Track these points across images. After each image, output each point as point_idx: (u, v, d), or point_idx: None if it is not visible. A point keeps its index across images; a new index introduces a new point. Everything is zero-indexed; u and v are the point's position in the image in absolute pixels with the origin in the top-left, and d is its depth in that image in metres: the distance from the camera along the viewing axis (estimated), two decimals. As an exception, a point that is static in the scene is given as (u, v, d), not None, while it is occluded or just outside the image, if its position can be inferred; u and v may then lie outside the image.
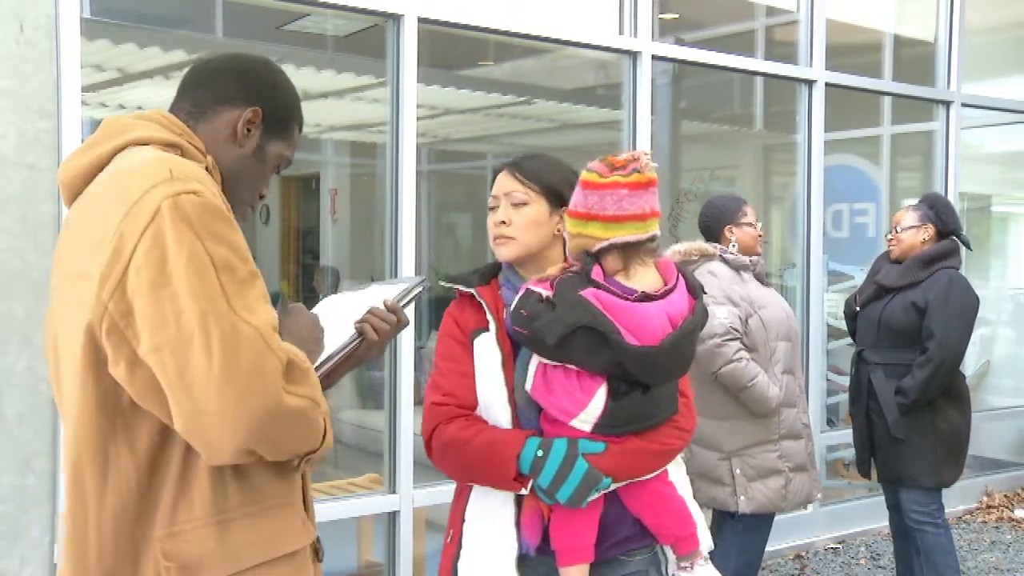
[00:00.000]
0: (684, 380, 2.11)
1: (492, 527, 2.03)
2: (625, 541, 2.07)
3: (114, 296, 1.36)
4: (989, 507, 6.12)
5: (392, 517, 4.08)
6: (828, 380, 5.93)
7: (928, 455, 3.83)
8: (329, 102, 6.48)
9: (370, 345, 1.66)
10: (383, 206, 4.16)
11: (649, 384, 1.95)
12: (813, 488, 3.59)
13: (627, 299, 1.91)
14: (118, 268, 1.36)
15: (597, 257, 1.95)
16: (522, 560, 2.01)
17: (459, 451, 2.01)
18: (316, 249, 8.35)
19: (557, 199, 2.08)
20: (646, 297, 1.93)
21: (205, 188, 1.43)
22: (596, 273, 1.93)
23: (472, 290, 2.10)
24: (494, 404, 2.02)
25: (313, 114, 6.69)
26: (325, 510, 3.82)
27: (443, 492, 4.21)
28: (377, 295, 1.74)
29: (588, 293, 1.90)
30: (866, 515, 5.55)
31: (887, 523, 4.26)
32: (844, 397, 5.85)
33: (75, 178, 1.54)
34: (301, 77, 5.71)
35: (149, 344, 1.34)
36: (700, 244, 3.56)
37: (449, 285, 2.16)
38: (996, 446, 6.59)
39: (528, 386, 1.97)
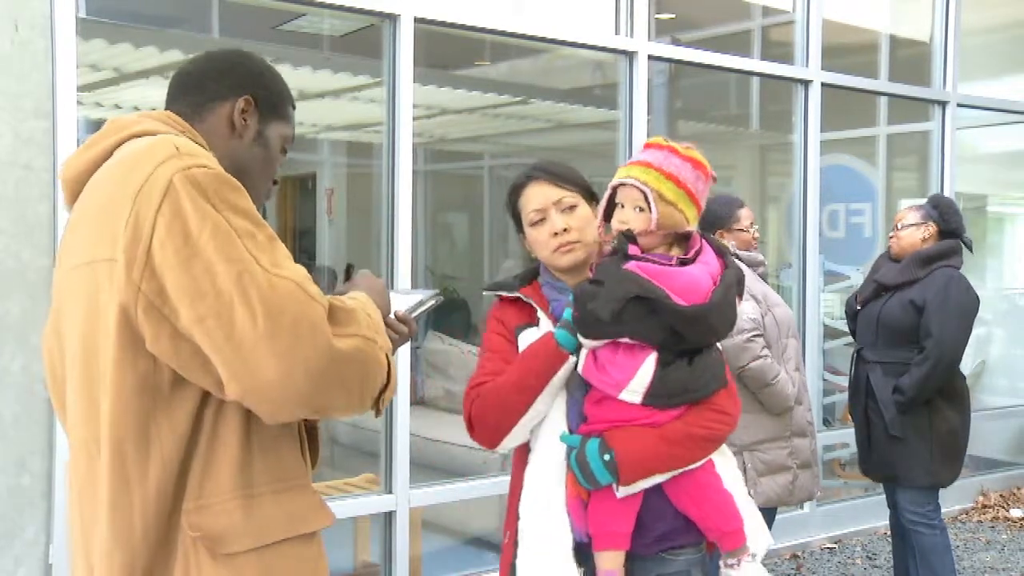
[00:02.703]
0: (727, 367, 2.12)
1: (546, 517, 2.03)
2: (668, 536, 2.06)
3: (144, 275, 1.37)
4: (985, 507, 6.13)
5: (388, 517, 4.08)
6: (824, 380, 5.93)
7: (924, 455, 3.83)
8: (325, 102, 6.48)
9: None
10: (379, 206, 4.16)
11: (699, 346, 2.00)
12: (814, 486, 3.61)
13: (667, 265, 1.98)
14: (142, 247, 1.37)
15: (631, 238, 2.00)
16: (579, 549, 2.01)
17: (494, 387, 2.04)
18: (312, 249, 8.34)
19: (591, 195, 2.14)
20: (682, 262, 2.00)
21: (212, 162, 1.46)
22: (633, 250, 1.98)
23: (517, 293, 2.15)
24: (554, 380, 2.03)
25: (309, 114, 6.70)
26: (321, 510, 3.81)
27: (439, 492, 4.22)
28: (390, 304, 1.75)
29: (631, 266, 1.95)
30: (862, 515, 5.55)
31: (883, 523, 4.27)
32: (840, 397, 5.87)
33: (78, 174, 1.55)
34: (297, 77, 5.71)
35: (191, 316, 1.36)
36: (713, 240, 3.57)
37: (492, 293, 2.21)
38: (992, 446, 6.59)
39: (580, 368, 2.00)
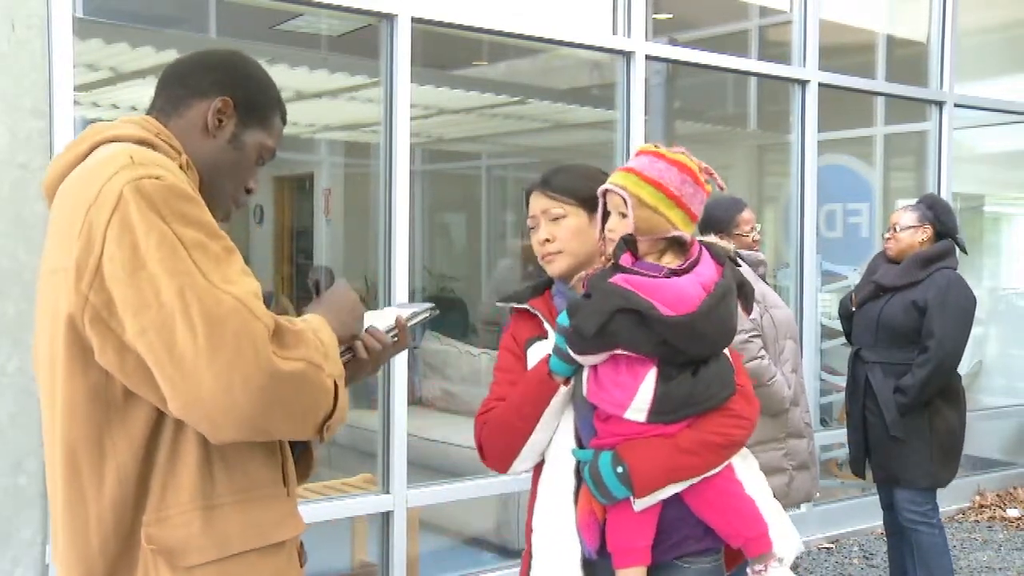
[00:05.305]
0: (740, 368, 2.09)
1: (556, 531, 2.03)
2: (684, 543, 2.03)
3: (93, 286, 1.36)
4: (982, 506, 6.14)
5: (386, 517, 4.07)
6: (822, 380, 5.94)
7: (923, 455, 3.84)
8: (323, 102, 6.48)
9: (360, 364, 1.65)
10: (377, 206, 4.16)
11: (696, 357, 1.96)
12: (812, 487, 3.61)
13: (655, 276, 1.95)
14: (92, 259, 1.36)
15: (630, 243, 1.98)
16: (588, 565, 2.00)
17: (499, 414, 2.08)
18: (310, 249, 8.34)
19: (593, 205, 2.10)
20: (673, 273, 1.97)
21: (168, 172, 1.43)
22: (625, 260, 1.97)
23: (525, 305, 2.16)
24: (551, 405, 2.04)
25: (307, 114, 6.71)
26: (319, 510, 3.81)
27: (437, 493, 4.22)
28: (382, 317, 1.74)
29: (617, 279, 1.93)
30: (859, 515, 5.56)
31: (880, 523, 4.26)
32: (837, 397, 5.87)
33: (54, 180, 1.54)
34: (295, 77, 5.70)
35: (134, 328, 1.34)
36: (715, 240, 3.56)
37: (504, 305, 2.23)
38: (988, 445, 6.61)
39: (584, 391, 1.99)
